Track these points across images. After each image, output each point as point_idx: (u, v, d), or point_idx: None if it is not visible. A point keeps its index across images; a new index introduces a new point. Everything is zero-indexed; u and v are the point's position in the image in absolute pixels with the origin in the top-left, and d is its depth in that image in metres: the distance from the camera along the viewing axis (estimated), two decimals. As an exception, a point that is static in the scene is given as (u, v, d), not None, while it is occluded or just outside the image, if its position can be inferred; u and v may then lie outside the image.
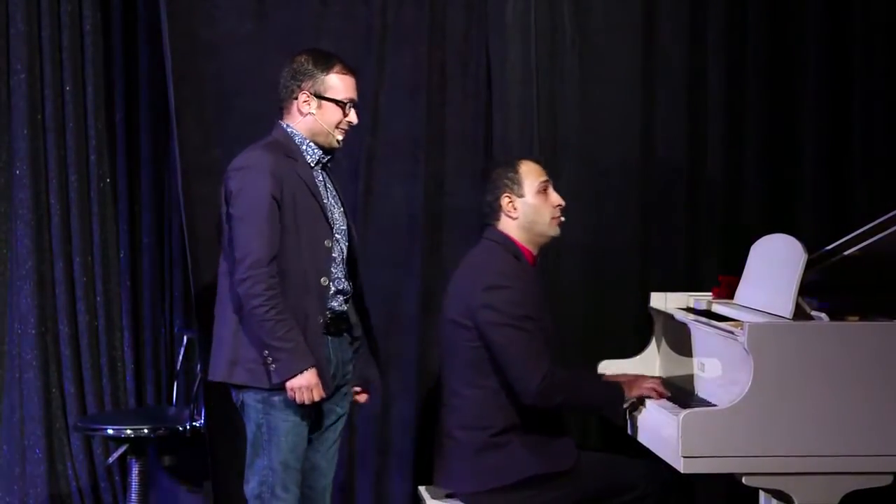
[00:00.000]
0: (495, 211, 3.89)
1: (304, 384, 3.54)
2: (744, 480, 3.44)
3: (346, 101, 3.71)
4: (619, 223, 4.69)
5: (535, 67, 4.61)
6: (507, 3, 4.58)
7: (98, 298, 5.04)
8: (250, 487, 3.66)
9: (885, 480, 3.46)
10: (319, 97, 3.68)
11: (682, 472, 3.42)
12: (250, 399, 3.63)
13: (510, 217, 3.88)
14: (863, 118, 4.78)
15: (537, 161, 3.99)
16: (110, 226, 5.07)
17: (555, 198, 3.92)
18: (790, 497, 3.45)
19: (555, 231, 3.93)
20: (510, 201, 3.87)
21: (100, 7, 5.00)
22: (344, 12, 4.55)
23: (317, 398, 3.58)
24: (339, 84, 3.70)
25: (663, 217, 4.72)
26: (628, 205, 4.69)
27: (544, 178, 3.92)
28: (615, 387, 3.85)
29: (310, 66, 3.68)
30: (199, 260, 4.37)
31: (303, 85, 3.67)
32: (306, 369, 3.54)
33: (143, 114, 5.06)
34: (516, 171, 3.89)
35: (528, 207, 3.87)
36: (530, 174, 3.89)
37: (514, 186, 3.87)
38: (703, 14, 4.73)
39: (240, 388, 3.65)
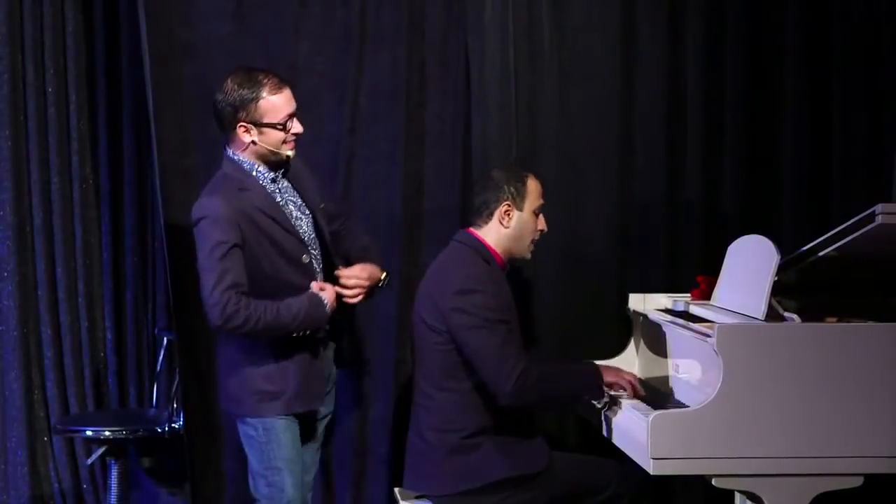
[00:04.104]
0: (490, 213, 3.88)
1: (331, 307, 3.67)
2: (713, 482, 3.44)
3: (284, 119, 3.66)
4: (598, 223, 4.67)
5: (514, 68, 4.60)
6: (486, 3, 4.57)
7: (80, 300, 5.04)
8: (258, 490, 3.72)
9: (856, 482, 3.45)
10: (258, 125, 3.63)
11: (651, 473, 3.42)
12: None
13: (502, 225, 3.87)
14: (842, 118, 4.76)
15: (540, 181, 3.98)
16: (93, 227, 5.07)
17: (543, 223, 3.95)
18: (760, 499, 3.44)
19: (528, 254, 3.97)
20: (508, 210, 3.86)
21: (82, 9, 5.00)
22: (322, 14, 4.54)
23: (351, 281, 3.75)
24: (273, 105, 3.63)
25: (643, 217, 4.70)
26: (607, 205, 4.68)
27: (542, 200, 3.94)
28: (591, 369, 3.82)
29: (240, 94, 3.61)
30: (178, 262, 4.36)
31: (238, 115, 3.62)
32: (324, 306, 3.64)
33: (126, 115, 5.07)
34: (524, 184, 3.89)
35: (521, 223, 3.88)
36: (534, 192, 3.91)
37: (517, 198, 3.87)
38: (682, 14, 4.71)
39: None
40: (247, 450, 3.75)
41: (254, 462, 3.72)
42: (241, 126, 3.63)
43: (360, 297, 3.81)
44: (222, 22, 4.47)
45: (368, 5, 4.54)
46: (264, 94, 3.63)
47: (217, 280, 3.51)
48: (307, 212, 3.79)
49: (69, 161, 5.03)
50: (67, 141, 5.02)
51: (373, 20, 4.55)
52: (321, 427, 3.91)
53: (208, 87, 4.40)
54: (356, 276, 3.79)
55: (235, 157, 3.70)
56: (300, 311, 3.60)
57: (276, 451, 3.67)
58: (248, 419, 3.69)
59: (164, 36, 4.42)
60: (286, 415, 3.68)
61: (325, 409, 3.90)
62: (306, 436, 3.82)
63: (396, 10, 4.56)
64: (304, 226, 3.76)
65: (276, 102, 3.64)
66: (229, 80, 3.66)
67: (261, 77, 3.65)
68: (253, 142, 3.65)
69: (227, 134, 3.69)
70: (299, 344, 3.67)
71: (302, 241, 3.71)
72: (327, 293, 3.68)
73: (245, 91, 3.62)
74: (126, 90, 5.05)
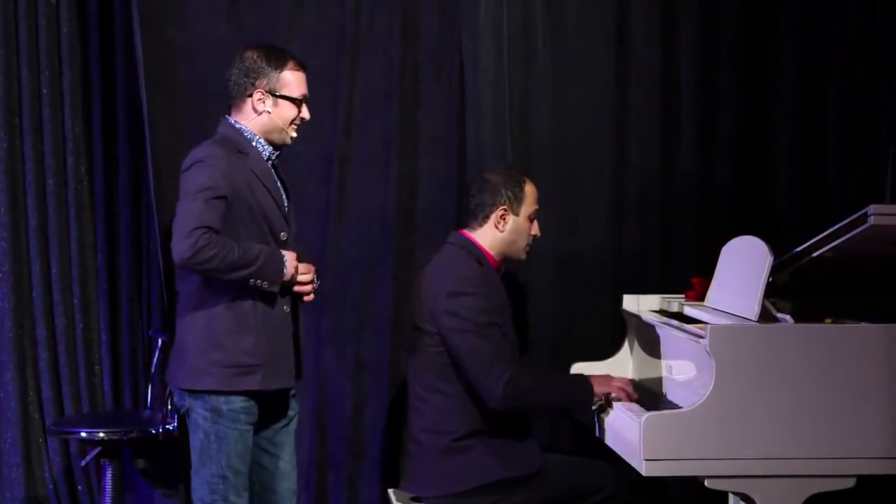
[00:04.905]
0: (485, 216, 3.89)
1: (290, 276, 3.60)
2: (706, 483, 3.44)
3: (301, 97, 3.71)
4: (593, 225, 4.67)
5: (508, 69, 4.60)
6: (480, 5, 4.57)
7: (75, 301, 5.02)
8: (199, 495, 3.65)
9: (848, 483, 3.45)
10: (275, 95, 3.67)
11: (644, 474, 3.41)
12: (198, 407, 3.63)
13: (497, 228, 3.88)
14: (837, 118, 4.76)
15: (537, 186, 3.99)
16: (87, 228, 5.05)
17: (536, 229, 3.96)
18: (753, 500, 3.44)
19: (522, 257, 3.99)
20: (504, 214, 3.87)
21: (77, 10, 4.98)
22: (317, 14, 4.55)
23: (308, 276, 3.67)
24: (293, 80, 3.70)
25: (637, 219, 4.70)
26: (602, 206, 4.68)
27: (537, 206, 3.95)
28: (583, 383, 3.82)
29: (263, 64, 3.67)
30: (172, 263, 4.35)
31: (257, 83, 3.66)
32: (284, 262, 3.59)
33: (121, 116, 5.04)
34: (521, 189, 3.90)
35: (517, 227, 3.90)
36: (530, 197, 3.92)
37: (514, 202, 3.89)
38: (676, 15, 4.71)
39: (192, 393, 3.63)
40: (193, 453, 3.66)
41: (197, 464, 3.65)
42: (257, 92, 3.66)
43: (312, 296, 3.74)
44: (216, 23, 4.48)
45: (363, 6, 4.56)
46: (287, 67, 3.69)
47: (196, 215, 3.47)
48: (286, 199, 3.78)
49: (64, 162, 5.01)
50: (62, 142, 5.00)
51: (367, 21, 4.57)
52: (289, 435, 3.84)
53: (202, 88, 4.44)
54: (309, 272, 3.72)
55: (238, 126, 3.70)
56: (259, 257, 3.53)
57: (224, 458, 3.59)
58: (207, 402, 3.58)
59: (157, 37, 4.43)
60: (260, 391, 3.60)
61: (291, 410, 3.84)
62: (276, 417, 3.76)
63: (391, 11, 4.57)
64: (287, 209, 3.75)
65: (296, 78, 3.71)
66: (251, 52, 3.69)
67: (286, 54, 3.73)
68: (267, 111, 3.67)
69: (235, 101, 3.70)
70: (275, 319, 3.63)
71: (286, 218, 3.71)
72: (290, 257, 3.63)
73: (270, 63, 3.67)
74: (120, 92, 5.03)
